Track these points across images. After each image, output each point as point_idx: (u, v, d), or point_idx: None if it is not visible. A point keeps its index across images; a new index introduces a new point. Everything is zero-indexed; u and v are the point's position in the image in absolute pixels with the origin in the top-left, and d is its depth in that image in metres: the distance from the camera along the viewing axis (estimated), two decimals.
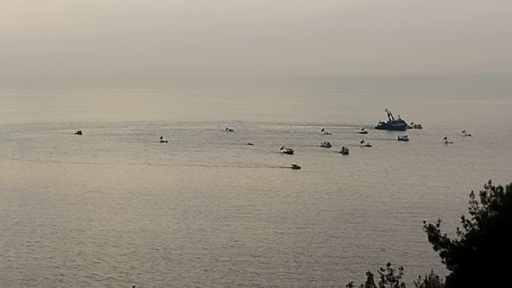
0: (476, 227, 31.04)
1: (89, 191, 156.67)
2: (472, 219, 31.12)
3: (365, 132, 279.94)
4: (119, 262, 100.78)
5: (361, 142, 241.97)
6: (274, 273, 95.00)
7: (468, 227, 31.15)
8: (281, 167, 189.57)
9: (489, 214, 30.96)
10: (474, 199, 31.15)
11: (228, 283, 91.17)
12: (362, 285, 30.29)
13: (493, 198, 30.94)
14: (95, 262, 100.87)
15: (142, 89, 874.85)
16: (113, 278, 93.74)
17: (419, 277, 31.12)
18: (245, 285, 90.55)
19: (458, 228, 31.34)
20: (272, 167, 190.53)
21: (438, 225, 31.59)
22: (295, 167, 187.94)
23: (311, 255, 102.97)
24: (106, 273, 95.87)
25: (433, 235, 31.46)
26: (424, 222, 32.10)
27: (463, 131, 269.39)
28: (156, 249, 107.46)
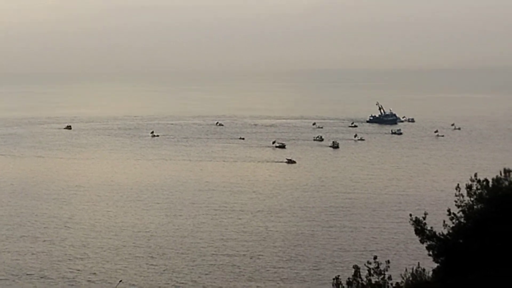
0: (462, 220, 31.29)
1: (75, 186, 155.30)
2: (458, 212, 31.35)
3: (355, 126, 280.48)
4: (105, 258, 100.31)
5: (355, 136, 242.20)
6: (261, 267, 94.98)
7: (454, 220, 31.39)
8: (275, 162, 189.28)
9: (475, 207, 31.21)
10: (460, 192, 31.37)
11: (215, 277, 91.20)
12: (349, 278, 30.35)
13: (479, 191, 31.20)
14: (80, 258, 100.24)
15: (133, 85, 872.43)
16: (99, 273, 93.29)
17: (406, 270, 31.23)
18: (232, 279, 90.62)
19: (444, 221, 31.56)
20: (266, 162, 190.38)
21: (424, 218, 31.81)
22: (290, 161, 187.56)
23: (299, 249, 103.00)
24: (91, 269, 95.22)
25: (420, 228, 31.68)
26: (411, 215, 32.30)
27: (453, 124, 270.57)
28: (143, 244, 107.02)
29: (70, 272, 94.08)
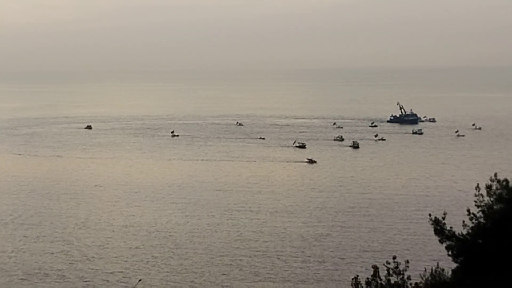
0: (481, 220, 31.12)
1: (94, 186, 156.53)
2: (478, 212, 31.20)
3: (375, 126, 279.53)
4: (123, 257, 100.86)
5: (375, 136, 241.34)
6: (279, 267, 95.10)
7: (473, 220, 31.24)
8: (296, 162, 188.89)
9: (494, 207, 31.03)
10: (480, 192, 31.23)
11: (232, 277, 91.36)
12: (368, 278, 30.36)
13: (498, 191, 31.02)
14: (98, 258, 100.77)
15: (147, 83, 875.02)
16: (117, 273, 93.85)
17: (425, 270, 31.16)
18: (250, 279, 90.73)
19: (463, 221, 31.43)
20: (287, 162, 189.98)
21: (444, 218, 31.68)
22: (311, 161, 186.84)
23: (317, 249, 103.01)
24: (109, 269, 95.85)
25: (439, 228, 31.57)
26: (430, 215, 32.19)
27: (473, 124, 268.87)
28: (161, 244, 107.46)
29: (88, 272, 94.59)
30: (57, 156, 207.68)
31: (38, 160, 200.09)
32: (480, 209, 31.16)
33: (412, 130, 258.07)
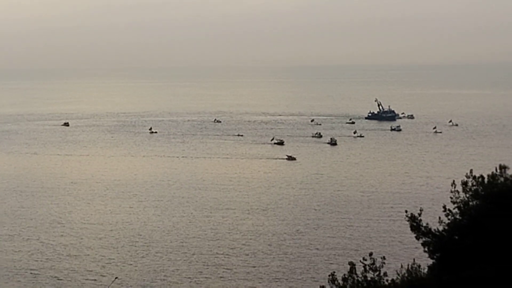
0: (457, 216, 31.14)
1: (71, 183, 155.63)
2: (454, 209, 31.21)
3: (353, 123, 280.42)
4: (101, 255, 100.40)
5: (354, 132, 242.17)
6: (256, 264, 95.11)
7: (449, 217, 31.25)
8: (275, 159, 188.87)
9: (470, 203, 31.06)
10: (456, 189, 31.24)
11: (209, 275, 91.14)
12: (344, 275, 30.28)
13: (474, 187, 31.04)
14: (74, 256, 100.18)
15: (127, 80, 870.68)
16: (94, 271, 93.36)
17: (401, 266, 31.11)
18: (226, 277, 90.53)
19: (439, 218, 31.43)
20: (266, 158, 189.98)
21: (420, 215, 31.67)
22: (290, 158, 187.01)
23: (294, 246, 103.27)
24: (86, 266, 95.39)
25: (415, 224, 31.55)
26: (406, 211, 32.19)
27: (450, 121, 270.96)
28: (138, 242, 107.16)
29: (63, 270, 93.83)
30: (32, 153, 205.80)
31: (12, 157, 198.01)
32: (456, 205, 31.17)
33: (391, 127, 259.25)
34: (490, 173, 31.23)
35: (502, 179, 31.03)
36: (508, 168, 31.29)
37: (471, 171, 31.44)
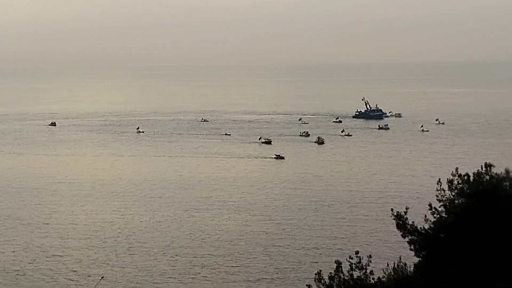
0: (443, 215, 31.21)
1: (57, 183, 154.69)
2: (440, 207, 31.28)
3: (340, 121, 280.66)
4: (86, 255, 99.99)
5: (342, 131, 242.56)
6: (242, 264, 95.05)
7: (435, 215, 31.31)
8: (263, 158, 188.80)
9: (456, 201, 31.14)
10: (442, 187, 31.31)
11: (195, 274, 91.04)
12: (330, 273, 30.25)
13: (460, 185, 31.12)
14: (60, 255, 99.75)
15: (113, 80, 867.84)
16: (80, 271, 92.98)
17: (387, 264, 31.12)
18: (212, 277, 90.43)
19: (425, 216, 31.48)
20: (254, 158, 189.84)
21: (406, 213, 31.70)
22: (279, 157, 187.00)
23: (280, 246, 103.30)
24: (72, 266, 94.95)
25: (401, 222, 31.59)
26: (392, 210, 32.20)
27: (437, 119, 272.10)
28: (124, 241, 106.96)
29: (50, 270, 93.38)
30: (17, 153, 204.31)
31: None
32: (441, 203, 31.24)
33: (378, 125, 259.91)
34: (475, 171, 31.32)
35: (487, 177, 31.13)
36: (494, 166, 31.37)
37: (456, 169, 31.50)
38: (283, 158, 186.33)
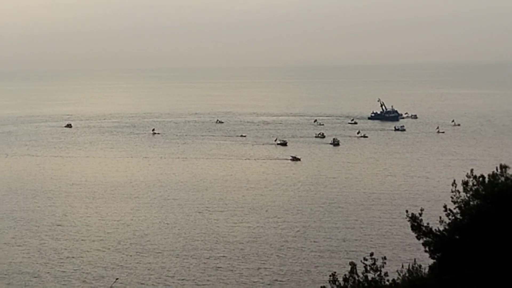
0: (458, 216, 31.13)
1: (72, 185, 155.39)
2: (455, 208, 31.19)
3: (355, 123, 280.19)
4: (101, 256, 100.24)
5: (357, 133, 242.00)
6: (257, 266, 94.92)
7: (450, 216, 31.23)
8: (280, 159, 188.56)
9: (471, 203, 31.04)
10: (457, 188, 31.22)
11: (209, 276, 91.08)
12: (345, 275, 30.29)
13: (475, 187, 31.02)
14: (75, 257, 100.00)
15: (124, 81, 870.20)
16: (95, 272, 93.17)
17: (402, 266, 31.14)
18: (226, 278, 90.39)
19: (440, 217, 31.41)
20: (270, 159, 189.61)
21: (420, 214, 31.64)
22: (295, 159, 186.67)
23: (296, 246, 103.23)
24: (87, 268, 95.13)
25: (416, 224, 31.53)
26: (407, 211, 32.17)
27: (453, 121, 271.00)
28: (139, 243, 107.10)
29: (64, 271, 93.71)
30: (33, 155, 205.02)
31: (12, 159, 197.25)
32: (456, 205, 31.15)
33: (395, 127, 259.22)
34: (490, 172, 31.22)
35: (502, 178, 31.02)
36: (509, 168, 31.27)
37: (471, 170, 31.42)
38: (299, 159, 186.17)
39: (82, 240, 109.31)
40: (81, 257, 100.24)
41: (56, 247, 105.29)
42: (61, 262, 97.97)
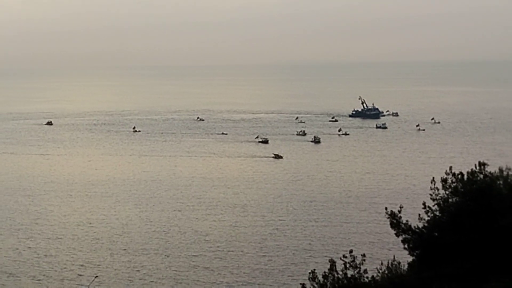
0: (437, 213, 31.25)
1: (50, 182, 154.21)
2: (434, 206, 31.31)
3: (336, 120, 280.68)
4: (80, 254, 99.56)
5: (339, 130, 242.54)
6: (237, 263, 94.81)
7: (429, 213, 31.35)
8: (261, 157, 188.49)
9: (450, 200, 31.18)
10: (435, 186, 31.34)
11: (189, 273, 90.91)
12: (324, 272, 30.27)
13: (453, 184, 31.16)
14: (54, 255, 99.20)
15: (109, 79, 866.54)
16: (74, 270, 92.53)
17: (381, 263, 31.17)
18: (205, 275, 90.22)
19: (419, 215, 31.50)
20: (252, 157, 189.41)
21: (400, 212, 31.73)
22: (277, 156, 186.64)
23: (275, 244, 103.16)
24: (66, 265, 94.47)
25: (395, 221, 31.62)
26: (386, 208, 32.25)
27: (432, 118, 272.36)
28: (118, 240, 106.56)
29: (42, 270, 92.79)
30: (10, 153, 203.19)
31: None
32: (435, 202, 31.28)
33: (376, 125, 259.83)
34: (469, 170, 31.36)
35: (481, 176, 31.19)
36: (487, 165, 31.43)
37: (450, 168, 31.54)
38: (281, 157, 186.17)
39: (59, 238, 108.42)
40: (60, 255, 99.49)
41: (33, 246, 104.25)
42: (40, 261, 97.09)
